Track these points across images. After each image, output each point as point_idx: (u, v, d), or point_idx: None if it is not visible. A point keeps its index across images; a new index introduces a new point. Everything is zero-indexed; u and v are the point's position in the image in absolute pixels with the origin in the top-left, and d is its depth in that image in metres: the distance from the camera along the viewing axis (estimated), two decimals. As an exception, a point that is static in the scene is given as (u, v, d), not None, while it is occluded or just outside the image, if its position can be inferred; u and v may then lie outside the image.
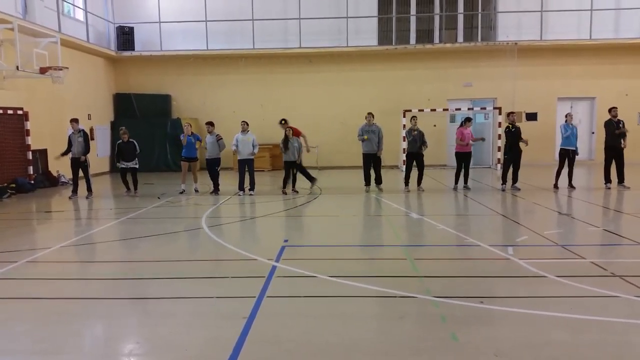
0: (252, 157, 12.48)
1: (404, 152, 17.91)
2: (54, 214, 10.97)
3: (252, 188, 12.55)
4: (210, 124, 12.83)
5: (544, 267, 5.80)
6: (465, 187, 12.65)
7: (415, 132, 12.36)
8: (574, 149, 12.57)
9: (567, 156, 12.59)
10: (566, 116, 12.88)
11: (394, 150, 17.90)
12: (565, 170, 12.61)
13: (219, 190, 12.70)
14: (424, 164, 12.71)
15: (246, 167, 12.47)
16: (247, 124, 12.55)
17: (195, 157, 13.01)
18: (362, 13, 19.24)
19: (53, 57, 13.75)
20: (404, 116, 18.10)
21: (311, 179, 12.94)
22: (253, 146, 12.37)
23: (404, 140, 17.67)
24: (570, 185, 12.57)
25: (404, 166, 17.72)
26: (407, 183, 12.82)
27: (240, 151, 12.38)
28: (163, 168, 19.41)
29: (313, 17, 18.99)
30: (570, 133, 12.47)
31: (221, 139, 12.70)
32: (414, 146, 12.47)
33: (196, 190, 12.97)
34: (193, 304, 5.00)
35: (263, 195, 12.46)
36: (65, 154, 12.49)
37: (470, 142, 12.59)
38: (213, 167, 12.76)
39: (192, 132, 12.96)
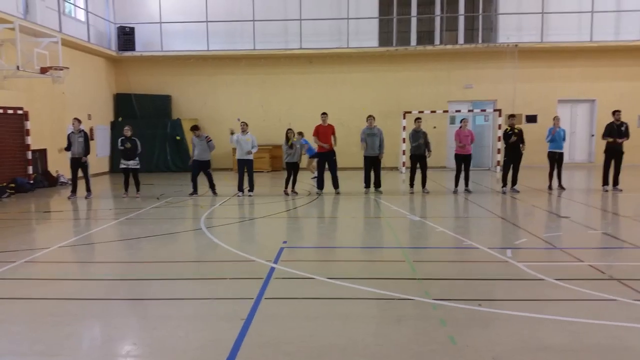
0: (251, 157, 12.49)
1: (403, 154, 17.97)
2: (53, 214, 10.97)
3: (251, 189, 12.55)
4: (196, 127, 12.70)
5: (543, 270, 5.80)
6: (467, 190, 12.61)
7: (421, 141, 12.36)
8: (561, 151, 12.82)
9: (554, 158, 12.80)
10: (554, 119, 13.02)
11: (394, 152, 17.89)
12: (555, 172, 12.90)
13: (215, 191, 12.64)
14: (427, 166, 12.71)
15: (245, 167, 12.47)
16: (247, 125, 12.55)
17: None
18: (363, 14, 19.24)
19: (54, 57, 13.76)
20: (404, 118, 18.11)
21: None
22: (252, 146, 12.36)
23: (403, 142, 17.85)
24: (560, 186, 12.69)
25: (404, 168, 17.89)
26: (412, 185, 12.77)
27: (240, 151, 12.36)
28: (163, 169, 19.42)
29: (314, 18, 19.00)
30: (557, 136, 12.71)
31: (211, 140, 12.60)
32: (420, 149, 12.46)
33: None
34: (191, 305, 4.99)
35: (262, 196, 12.46)
36: (67, 149, 12.49)
37: (459, 143, 12.56)
38: (203, 170, 12.51)
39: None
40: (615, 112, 12.51)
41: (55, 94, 15.50)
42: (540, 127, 18.53)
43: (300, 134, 13.49)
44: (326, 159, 12.69)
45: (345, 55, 19.26)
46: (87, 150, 12.41)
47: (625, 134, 12.32)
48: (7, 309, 4.98)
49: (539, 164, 15.82)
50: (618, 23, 18.93)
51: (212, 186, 12.68)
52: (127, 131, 12.49)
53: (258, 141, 12.81)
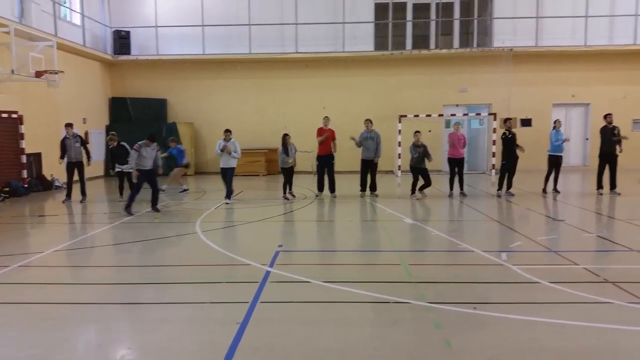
0: (234, 164, 12.20)
1: (399, 158, 18.00)
2: (47, 218, 10.92)
3: (229, 195, 12.20)
4: (152, 139, 11.04)
5: (538, 273, 5.81)
6: (462, 193, 12.61)
7: (421, 149, 12.15)
8: (562, 154, 12.91)
9: (556, 162, 12.83)
10: (555, 122, 13.03)
11: (390, 156, 17.91)
12: (552, 175, 12.90)
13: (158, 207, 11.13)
14: (429, 176, 12.54)
15: (227, 175, 12.19)
16: (231, 132, 12.27)
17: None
18: (359, 18, 19.29)
19: (49, 61, 13.70)
20: (400, 121, 18.15)
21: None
22: (234, 151, 12.04)
23: (399, 145, 17.88)
24: (555, 190, 12.77)
25: (399, 172, 17.92)
26: (414, 192, 12.55)
27: (223, 159, 12.17)
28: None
29: (310, 22, 19.03)
30: (558, 140, 12.77)
31: (159, 150, 11.35)
32: (419, 162, 12.31)
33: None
34: (186, 310, 4.98)
35: (258, 200, 12.44)
36: (62, 157, 12.41)
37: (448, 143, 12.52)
38: (149, 179, 10.96)
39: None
40: (607, 116, 12.60)
41: (51, 98, 15.45)
42: (535, 131, 18.66)
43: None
44: (325, 163, 12.69)
45: (341, 60, 19.30)
46: (88, 154, 12.58)
47: (618, 137, 12.41)
48: (1, 313, 4.95)
49: (533, 168, 15.88)
50: (612, 27, 19.05)
51: (155, 200, 11.11)
52: (112, 140, 12.38)
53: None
